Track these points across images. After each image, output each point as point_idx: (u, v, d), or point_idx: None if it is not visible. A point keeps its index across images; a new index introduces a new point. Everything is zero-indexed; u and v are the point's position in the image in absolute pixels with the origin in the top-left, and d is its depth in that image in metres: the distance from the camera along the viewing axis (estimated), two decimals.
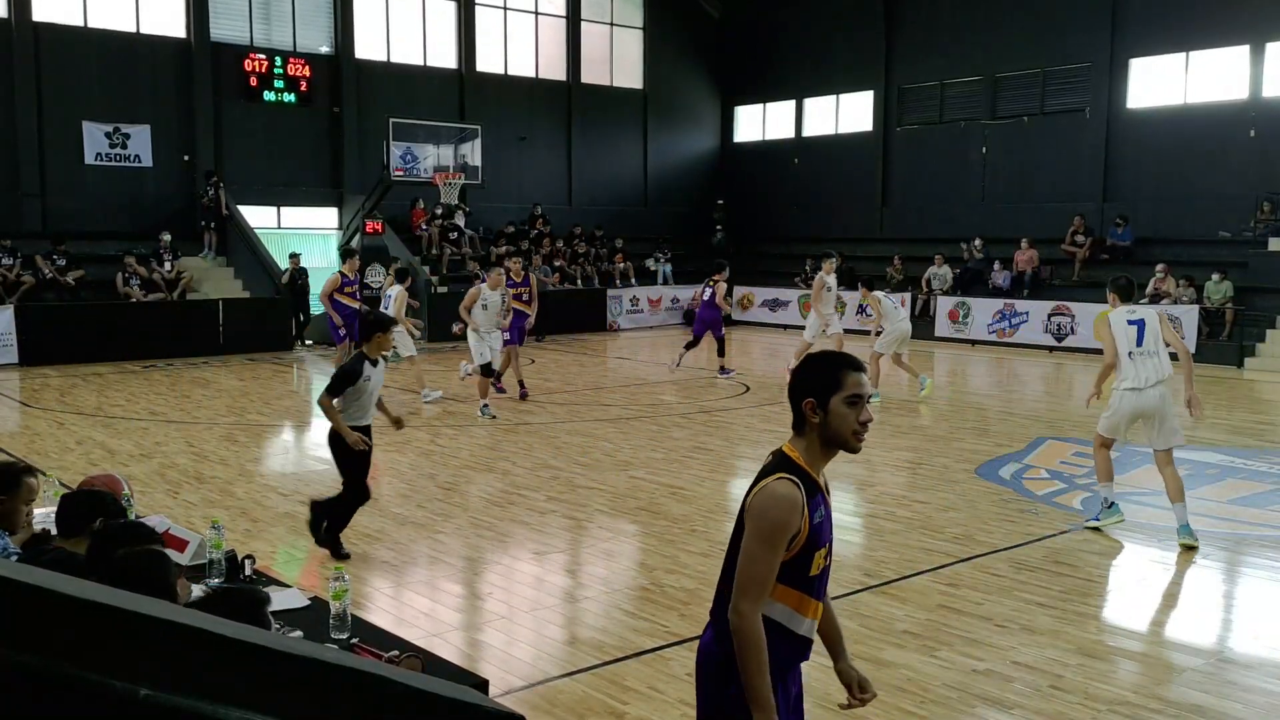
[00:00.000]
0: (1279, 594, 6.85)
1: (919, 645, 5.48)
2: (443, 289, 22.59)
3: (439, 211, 23.65)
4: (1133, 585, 6.84)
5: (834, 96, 27.96)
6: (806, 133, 28.86)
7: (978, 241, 22.93)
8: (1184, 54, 21.42)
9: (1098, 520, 7.81)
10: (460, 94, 25.48)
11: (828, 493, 2.96)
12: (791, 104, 29.06)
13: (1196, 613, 6.31)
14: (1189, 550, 7.21)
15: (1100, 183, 22.69)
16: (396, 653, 3.60)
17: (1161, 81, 21.87)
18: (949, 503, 8.56)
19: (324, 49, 23.77)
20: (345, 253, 16.48)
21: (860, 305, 23.69)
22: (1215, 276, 18.82)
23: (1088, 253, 21.49)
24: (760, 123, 30.11)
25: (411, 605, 6.30)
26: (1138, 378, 7.42)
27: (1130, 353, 7.43)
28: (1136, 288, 7.73)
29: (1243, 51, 20.52)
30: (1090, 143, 22.75)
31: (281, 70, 22.85)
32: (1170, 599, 6.51)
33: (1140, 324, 7.42)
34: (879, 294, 14.42)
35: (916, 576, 6.65)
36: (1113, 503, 7.83)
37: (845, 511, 8.74)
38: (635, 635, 5.65)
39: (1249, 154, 20.34)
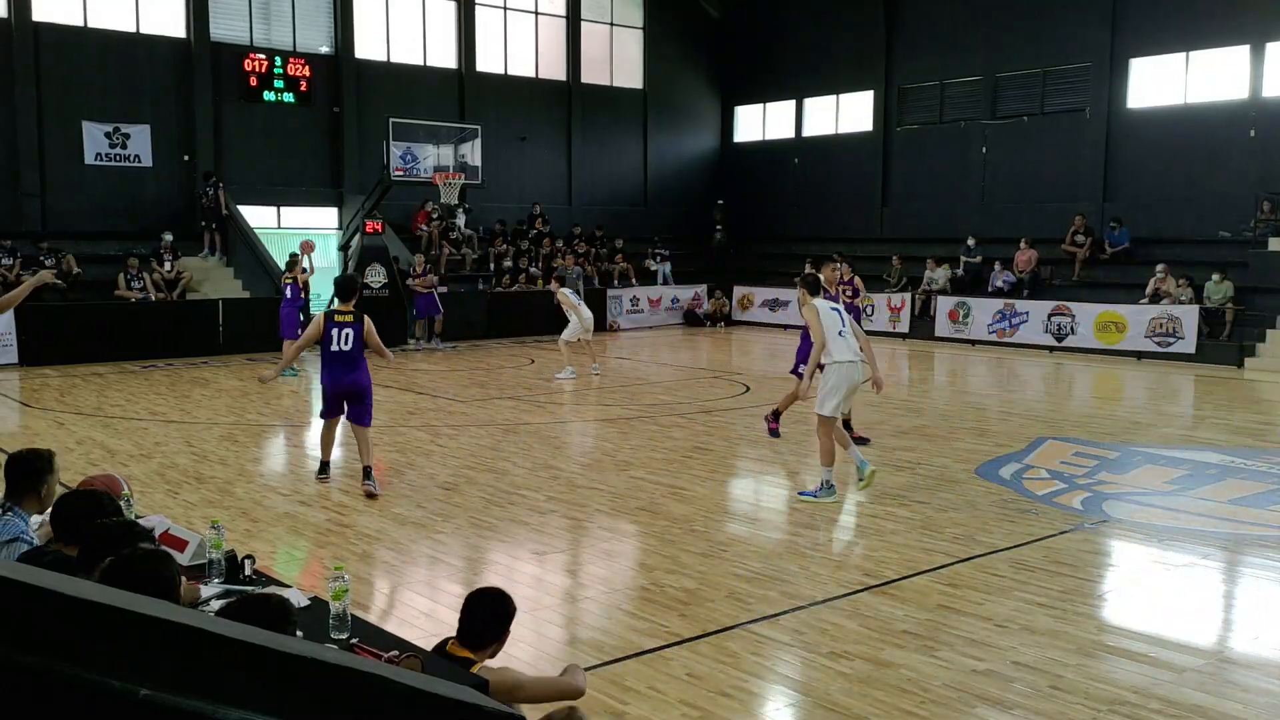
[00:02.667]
0: (1279, 594, 6.84)
1: (919, 645, 5.48)
2: (442, 289, 22.59)
3: (435, 214, 23.66)
4: (1132, 585, 6.84)
5: (834, 96, 27.96)
6: (806, 132, 28.86)
7: (971, 241, 22.92)
8: (1184, 54, 21.42)
9: (814, 497, 8.62)
10: (460, 94, 25.49)
11: None
12: (791, 104, 29.06)
13: (1196, 613, 6.30)
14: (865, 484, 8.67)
15: (1100, 183, 22.69)
16: (396, 653, 3.60)
17: (1162, 81, 21.87)
18: (949, 503, 8.56)
19: (324, 49, 23.77)
20: (290, 263, 17.42)
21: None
22: (1215, 276, 18.82)
23: (1088, 253, 21.49)
24: (760, 122, 30.11)
25: (411, 605, 6.30)
26: (848, 352, 8.56)
27: (840, 331, 8.59)
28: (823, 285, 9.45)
29: (1243, 51, 20.52)
30: (1090, 142, 22.75)
31: (281, 70, 22.85)
32: (1170, 599, 6.51)
33: (839, 311, 8.77)
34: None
35: (917, 576, 6.65)
36: (832, 485, 8.64)
37: (845, 511, 8.75)
38: (635, 635, 5.65)
39: (1249, 154, 20.34)
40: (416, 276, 21.07)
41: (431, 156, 21.12)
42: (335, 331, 8.63)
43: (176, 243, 20.38)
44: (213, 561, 4.47)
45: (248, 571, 4.49)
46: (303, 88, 23.17)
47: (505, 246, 24.44)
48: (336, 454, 11.03)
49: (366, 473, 8.76)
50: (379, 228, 21.06)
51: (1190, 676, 5.13)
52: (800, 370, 9.73)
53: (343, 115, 23.78)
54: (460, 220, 24.36)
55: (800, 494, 8.82)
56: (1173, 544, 7.56)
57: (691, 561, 6.98)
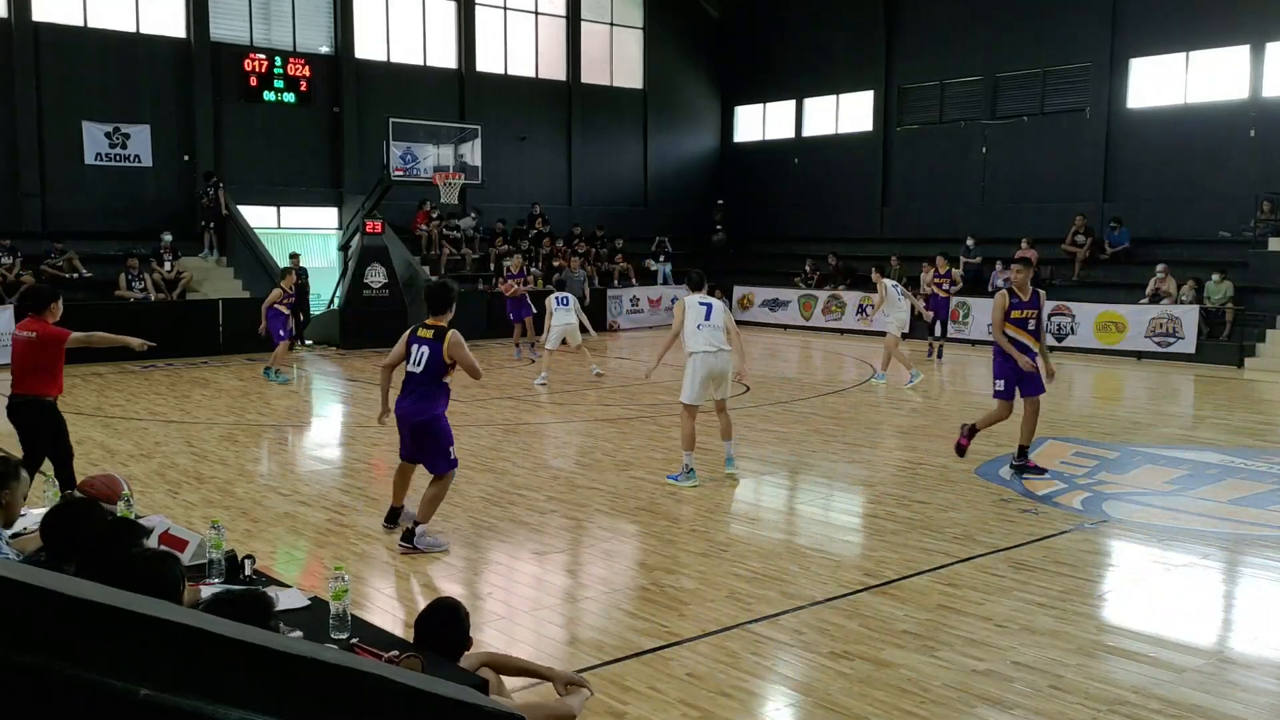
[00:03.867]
0: (1279, 594, 6.85)
1: (919, 645, 5.48)
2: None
3: (435, 214, 23.67)
4: (1132, 585, 6.83)
5: (834, 96, 27.96)
6: (807, 132, 28.85)
7: (971, 241, 22.92)
8: (1184, 54, 21.41)
9: (676, 480, 9.10)
10: (460, 94, 25.49)
11: None
12: (791, 104, 29.06)
13: (1196, 613, 6.30)
14: (732, 479, 9.31)
15: (1100, 183, 22.69)
16: (396, 653, 3.60)
17: (1162, 81, 21.86)
18: (949, 503, 8.56)
19: (324, 49, 23.77)
20: (284, 271, 17.06)
21: (860, 305, 23.73)
22: (1215, 276, 18.82)
23: (1088, 253, 21.49)
24: (760, 122, 30.11)
25: (411, 605, 6.30)
26: (708, 343, 9.05)
27: (700, 325, 9.09)
28: (707, 280, 9.76)
29: (1243, 51, 20.52)
30: (1090, 142, 22.74)
31: (281, 70, 22.85)
32: (1170, 599, 6.50)
33: (709, 306, 9.24)
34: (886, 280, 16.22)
35: (917, 576, 6.65)
36: (693, 469, 9.14)
37: (846, 511, 8.75)
38: (635, 635, 5.65)
39: (1249, 154, 20.33)
40: (510, 277, 19.39)
41: (431, 156, 21.12)
42: (414, 348, 7.30)
43: (176, 243, 20.38)
44: (213, 561, 4.48)
45: (248, 571, 4.50)
46: (303, 88, 23.17)
47: (506, 246, 24.44)
48: (337, 452, 11.05)
49: (408, 535, 7.21)
50: (379, 228, 21.06)
51: (1190, 676, 5.13)
52: (998, 390, 9.53)
53: (343, 115, 23.78)
54: (469, 223, 24.39)
55: (668, 477, 9.28)
56: (1173, 544, 7.55)
57: (691, 561, 6.98)
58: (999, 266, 21.94)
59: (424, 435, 7.24)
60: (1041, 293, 9.56)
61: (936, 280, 19.30)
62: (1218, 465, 10.02)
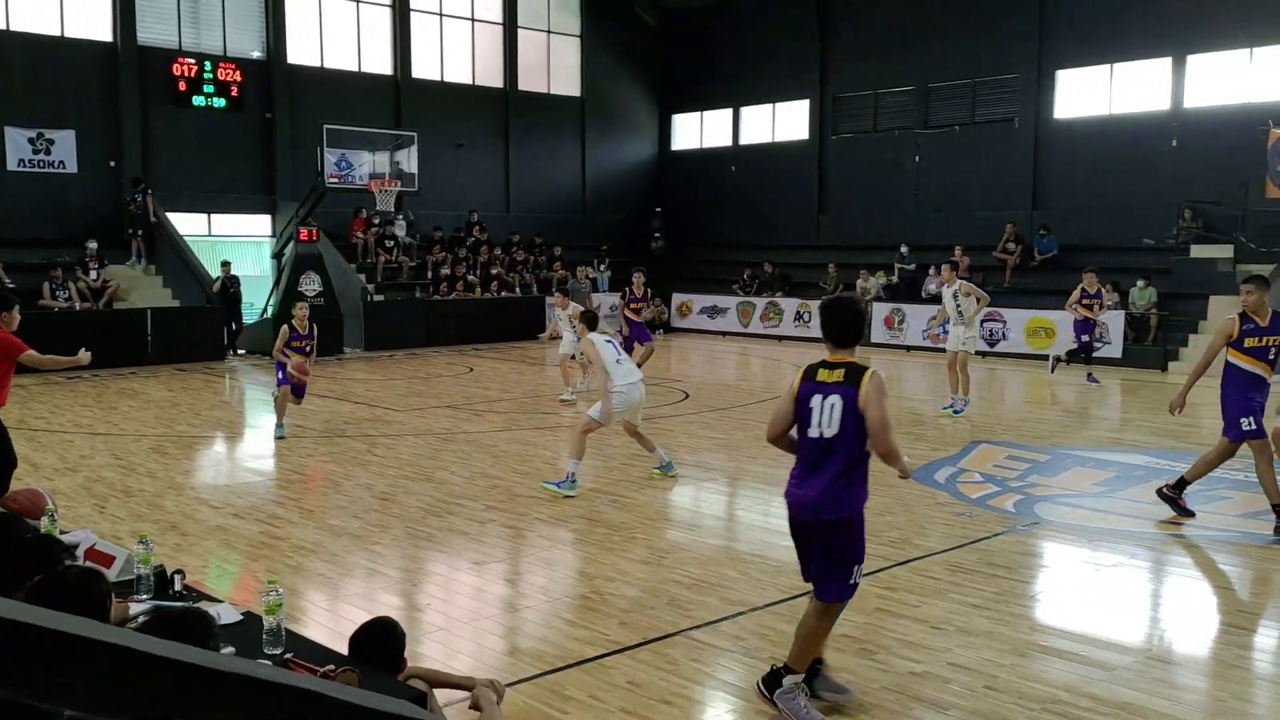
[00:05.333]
0: (1204, 591, 7.04)
1: (857, 649, 5.53)
2: (379, 297, 22.36)
3: (375, 221, 23.43)
4: (1064, 586, 6.97)
5: (770, 105, 28.24)
6: (744, 140, 29.10)
7: (905, 248, 23.28)
8: (1108, 66, 21.99)
9: (558, 487, 8.96)
10: (396, 100, 25.27)
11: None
12: (729, 112, 29.28)
13: (1126, 612, 6.45)
14: (671, 477, 9.62)
15: (1030, 191, 23.19)
16: (332, 667, 3.54)
17: (1087, 92, 22.44)
18: (886, 507, 8.65)
19: (255, 53, 23.42)
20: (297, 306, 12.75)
21: (797, 312, 23.95)
22: (1140, 283, 19.33)
23: (1018, 260, 21.94)
24: (698, 130, 30.30)
25: (348, 618, 6.19)
26: (627, 376, 9.25)
27: (619, 360, 9.27)
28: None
29: (1165, 64, 21.13)
30: (1020, 152, 23.23)
31: (211, 75, 22.46)
32: (1100, 598, 6.64)
33: (613, 343, 9.47)
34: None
35: None
36: (574, 480, 8.97)
37: (785, 517, 8.80)
38: (576, 644, 5.62)
39: (1171, 163, 20.92)
40: (635, 301, 16.35)
41: (367, 163, 20.90)
42: (816, 401, 4.67)
43: (103, 250, 19.91)
44: (141, 577, 4.37)
45: (177, 587, 4.40)
46: (234, 93, 22.79)
47: (443, 254, 24.26)
48: (270, 464, 10.86)
49: (773, 680, 4.84)
50: (314, 235, 20.78)
51: (1120, 674, 5.24)
52: (1248, 431, 7.81)
53: (275, 121, 23.44)
54: (400, 229, 24.14)
55: (544, 482, 9.22)
56: (1102, 544, 7.73)
57: (632, 569, 6.98)
58: (931, 272, 22.32)
59: (829, 535, 4.74)
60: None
61: (1086, 302, 16.57)
62: (1144, 467, 10.28)
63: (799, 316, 23.91)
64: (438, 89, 26.07)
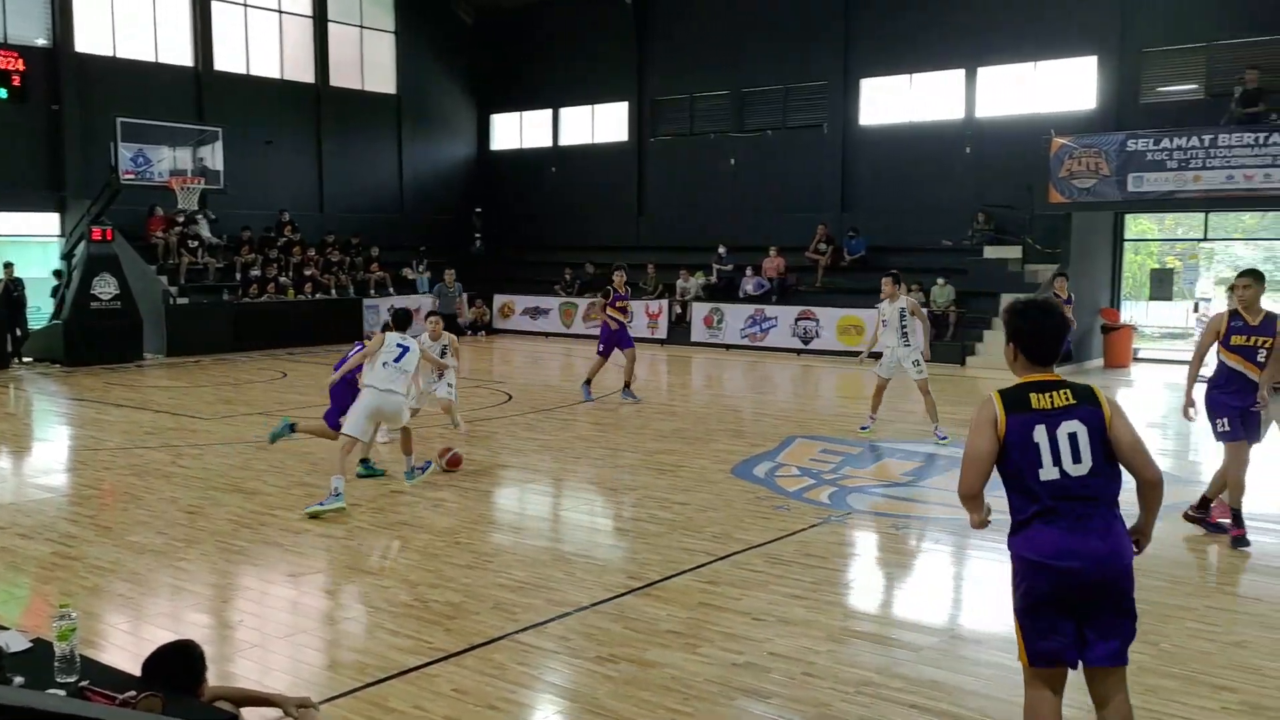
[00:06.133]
0: (1002, 573, 7.47)
1: (682, 644, 5.62)
2: (182, 300, 21.26)
3: (179, 219, 22.23)
4: (875, 573, 7.29)
5: (590, 106, 28.38)
6: (564, 141, 29.13)
7: (723, 250, 23.85)
8: (908, 76, 23.14)
9: (322, 506, 8.34)
10: (198, 93, 24.04)
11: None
12: (548, 113, 29.26)
13: (931, 594, 6.80)
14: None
15: (839, 194, 24.14)
16: (133, 693, 3.32)
17: (889, 101, 23.55)
18: (708, 503, 8.83)
19: (40, 40, 21.82)
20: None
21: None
22: (940, 281, 20.44)
23: (830, 260, 22.81)
24: (518, 131, 30.14)
25: (153, 640, 5.82)
26: (384, 382, 8.88)
27: (385, 363, 8.95)
28: (410, 322, 9.68)
29: (959, 75, 22.39)
30: (829, 156, 24.15)
31: None
32: (908, 583, 6.98)
33: (406, 350, 9.09)
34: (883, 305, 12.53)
35: (678, 576, 6.81)
36: (340, 493, 8.42)
37: (609, 516, 8.86)
38: (399, 654, 5.49)
39: (966, 169, 22.18)
40: (620, 299, 14.88)
41: (167, 159, 19.81)
42: (1042, 434, 3.74)
43: None
44: None
45: None
46: (15, 82, 21.16)
47: (252, 255, 23.25)
48: (63, 479, 10.13)
49: None
50: (108, 235, 19.54)
51: (927, 654, 5.51)
52: (1221, 432, 7.57)
53: (63, 113, 21.91)
54: (203, 227, 22.97)
55: (310, 506, 8.43)
56: (909, 531, 8.12)
57: (456, 574, 6.86)
58: (748, 273, 22.94)
59: (1128, 587, 3.72)
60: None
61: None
62: (946, 456, 10.85)
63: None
64: (244, 82, 24.93)
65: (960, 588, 7.06)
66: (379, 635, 5.84)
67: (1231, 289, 7.85)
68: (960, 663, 5.43)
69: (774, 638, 5.70)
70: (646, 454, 10.90)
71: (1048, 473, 3.69)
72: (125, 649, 5.60)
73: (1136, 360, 20.31)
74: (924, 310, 12.05)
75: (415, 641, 5.67)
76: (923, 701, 4.89)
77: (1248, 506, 7.64)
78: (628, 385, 14.56)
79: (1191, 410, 7.80)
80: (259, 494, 9.14)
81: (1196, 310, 21.18)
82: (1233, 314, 7.62)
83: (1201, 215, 20.14)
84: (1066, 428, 3.71)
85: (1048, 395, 3.76)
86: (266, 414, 13.63)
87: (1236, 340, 7.53)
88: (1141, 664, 5.33)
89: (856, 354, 20.27)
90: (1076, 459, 3.69)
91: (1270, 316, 7.49)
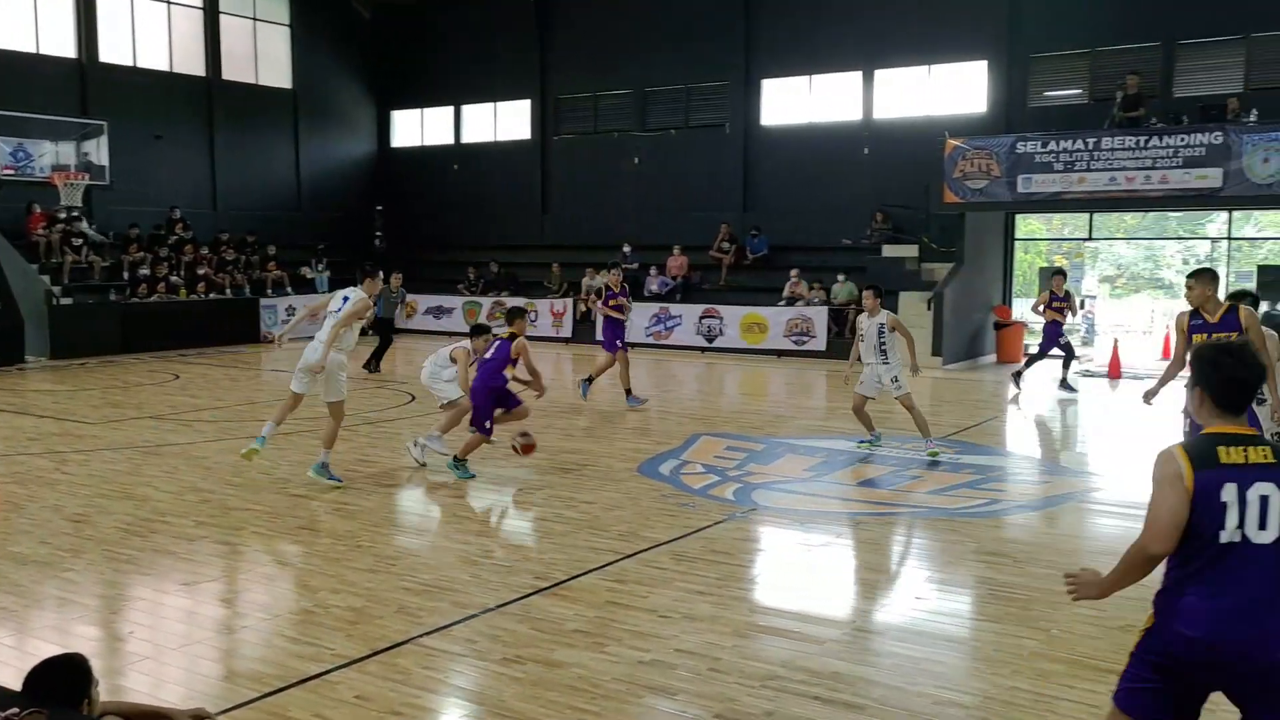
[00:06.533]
0: (902, 567, 7.65)
1: (589, 643, 5.61)
2: (66, 300, 20.45)
3: (62, 216, 21.36)
4: (779, 568, 7.39)
5: (492, 104, 28.15)
6: (466, 139, 28.84)
7: (627, 249, 23.91)
8: (807, 77, 23.51)
9: (324, 476, 9.25)
10: (82, 86, 23.12)
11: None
12: (450, 110, 28.93)
13: (834, 588, 6.92)
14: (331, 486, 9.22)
15: (741, 193, 24.40)
16: (15, 710, 3.18)
17: (789, 102, 23.89)
18: (614, 501, 8.84)
19: None
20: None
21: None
22: (840, 278, 20.83)
23: (732, 259, 23.04)
24: (419, 128, 29.73)
25: (37, 655, 5.59)
26: (315, 335, 9.43)
27: (326, 315, 9.48)
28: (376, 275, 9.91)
29: (856, 77, 22.83)
30: (731, 156, 24.39)
31: None
32: (811, 577, 7.08)
33: (346, 300, 9.43)
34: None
35: (585, 575, 6.80)
36: (327, 465, 9.31)
37: (515, 515, 8.81)
38: (298, 662, 5.36)
39: (864, 170, 22.63)
40: (614, 297, 14.76)
41: (49, 154, 19.06)
42: (1232, 494, 3.21)
43: None
44: None
45: None
46: None
47: (141, 254, 22.47)
48: None
49: None
50: None
51: (830, 646, 5.60)
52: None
53: None
54: (89, 226, 22.12)
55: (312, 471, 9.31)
56: (813, 526, 8.25)
57: (358, 579, 6.73)
58: (653, 271, 23.04)
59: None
60: (1246, 310, 7.48)
61: (1056, 305, 15.88)
62: (847, 452, 11.05)
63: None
64: (130, 75, 24.07)
65: (862, 580, 7.19)
66: (277, 643, 5.70)
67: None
68: (863, 654, 5.54)
69: (680, 634, 5.73)
70: (552, 453, 10.86)
71: (1228, 535, 3.19)
72: (8, 664, 5.35)
73: (1026, 356, 20.94)
74: (904, 325, 11.10)
75: (316, 648, 5.54)
76: (826, 694, 4.96)
77: None
78: (590, 380, 14.76)
79: (1154, 399, 8.03)
80: (150, 500, 8.83)
81: (1083, 307, 21.93)
82: (1193, 313, 7.56)
83: (1086, 215, 20.91)
84: (1261, 490, 3.20)
85: (1243, 449, 3.26)
86: (159, 417, 13.19)
87: (1198, 339, 7.33)
88: (1031, 649, 5.51)
89: (760, 351, 20.66)
90: (1263, 525, 3.19)
91: (1231, 309, 7.41)
